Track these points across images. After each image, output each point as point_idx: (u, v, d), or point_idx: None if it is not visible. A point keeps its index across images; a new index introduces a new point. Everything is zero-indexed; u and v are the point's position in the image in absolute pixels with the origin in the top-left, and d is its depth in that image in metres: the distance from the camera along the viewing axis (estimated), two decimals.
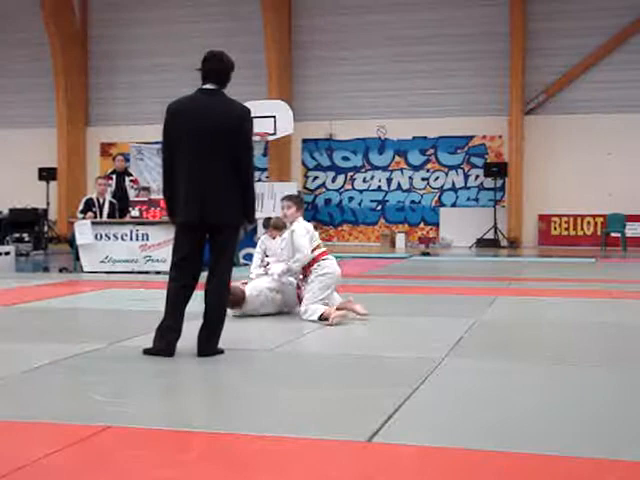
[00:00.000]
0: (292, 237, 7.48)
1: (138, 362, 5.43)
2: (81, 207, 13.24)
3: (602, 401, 4.36)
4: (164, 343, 5.46)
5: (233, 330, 6.13)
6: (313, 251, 7.46)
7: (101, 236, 12.77)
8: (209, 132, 5.41)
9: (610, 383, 4.82)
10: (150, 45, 22.60)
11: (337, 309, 7.23)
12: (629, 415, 4.05)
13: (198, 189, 5.44)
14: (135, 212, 12.90)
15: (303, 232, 7.48)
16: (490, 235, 20.31)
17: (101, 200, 13.32)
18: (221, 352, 5.55)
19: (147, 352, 5.50)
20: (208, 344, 5.52)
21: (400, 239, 20.91)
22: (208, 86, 5.54)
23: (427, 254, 18.22)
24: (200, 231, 5.54)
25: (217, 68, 5.54)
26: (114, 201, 13.48)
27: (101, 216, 13.18)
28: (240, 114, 5.52)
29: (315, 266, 7.44)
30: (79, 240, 12.70)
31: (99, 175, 15.89)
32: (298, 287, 7.63)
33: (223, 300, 5.64)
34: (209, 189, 5.44)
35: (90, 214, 12.98)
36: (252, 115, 5.68)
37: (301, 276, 7.57)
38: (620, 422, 3.92)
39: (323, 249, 7.61)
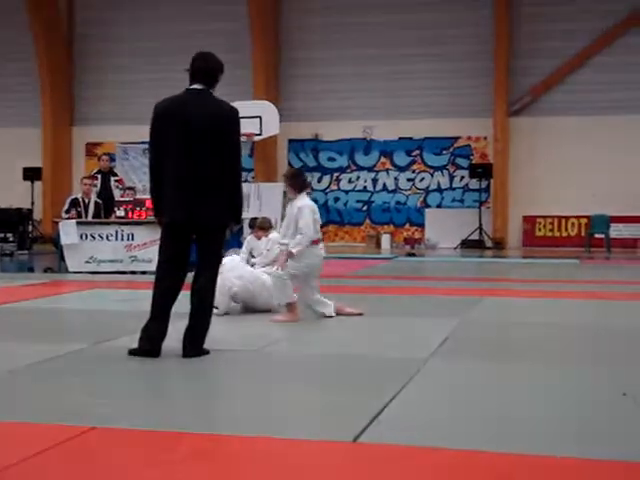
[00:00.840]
0: (297, 214, 7.20)
1: (123, 362, 5.42)
2: (66, 207, 13.19)
3: (587, 400, 4.39)
4: (149, 344, 5.43)
5: (218, 330, 6.13)
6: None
7: (86, 236, 12.72)
8: (196, 132, 5.39)
9: (595, 383, 4.85)
10: (135, 45, 22.51)
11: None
12: (614, 415, 4.08)
13: (185, 190, 5.43)
14: (120, 212, 12.86)
15: (308, 212, 7.22)
16: (475, 236, 20.38)
17: (86, 200, 13.28)
18: (207, 353, 5.53)
19: (132, 353, 5.47)
20: (193, 345, 5.50)
21: (385, 240, 20.94)
22: (196, 86, 5.53)
23: (412, 255, 18.26)
24: (186, 231, 5.52)
25: (204, 68, 5.53)
26: (99, 201, 13.44)
27: (86, 216, 13.13)
28: (229, 115, 5.52)
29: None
30: (64, 240, 12.65)
31: (84, 175, 15.83)
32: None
33: (209, 301, 5.62)
34: (196, 190, 5.42)
35: (73, 213, 12.92)
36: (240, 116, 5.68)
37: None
38: (605, 422, 3.95)
39: (319, 236, 7.42)
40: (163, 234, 5.63)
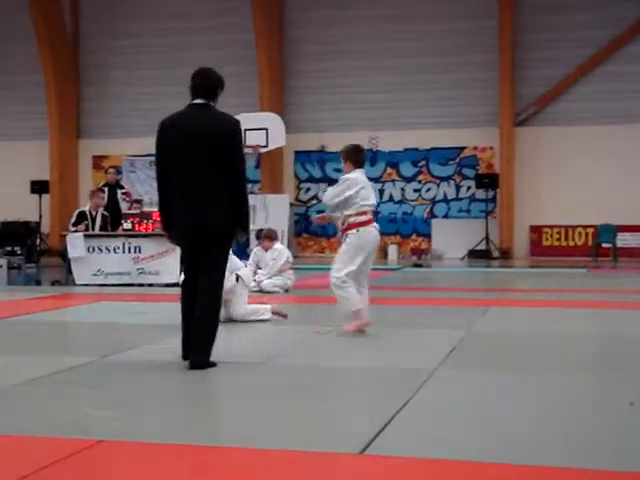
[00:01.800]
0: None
1: (131, 376, 5.43)
2: (73, 220, 13.22)
3: (597, 413, 4.38)
4: (185, 352, 5.67)
5: (224, 341, 6.13)
6: (358, 215, 7.03)
7: (93, 249, 12.75)
8: (198, 145, 5.52)
9: (604, 394, 4.83)
10: (141, 57, 22.62)
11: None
12: (623, 426, 4.07)
13: (191, 202, 5.57)
14: (127, 225, 12.89)
15: (344, 181, 7.07)
16: (482, 246, 20.35)
17: (93, 213, 13.31)
18: (213, 365, 5.56)
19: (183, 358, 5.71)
20: (199, 357, 5.54)
21: (392, 250, 20.93)
22: (197, 101, 5.67)
23: (419, 265, 18.25)
24: (195, 242, 5.66)
25: (205, 84, 5.68)
26: (106, 214, 13.47)
27: (93, 229, 13.17)
28: (230, 127, 5.62)
29: (353, 231, 7.06)
30: (71, 253, 12.67)
31: (93, 188, 15.88)
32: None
33: (214, 312, 5.67)
34: (201, 201, 5.56)
35: (81, 226, 12.96)
36: (243, 127, 5.81)
37: (340, 233, 7.27)
38: (614, 434, 3.94)
39: (368, 217, 7.12)
40: (180, 245, 5.97)
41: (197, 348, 5.55)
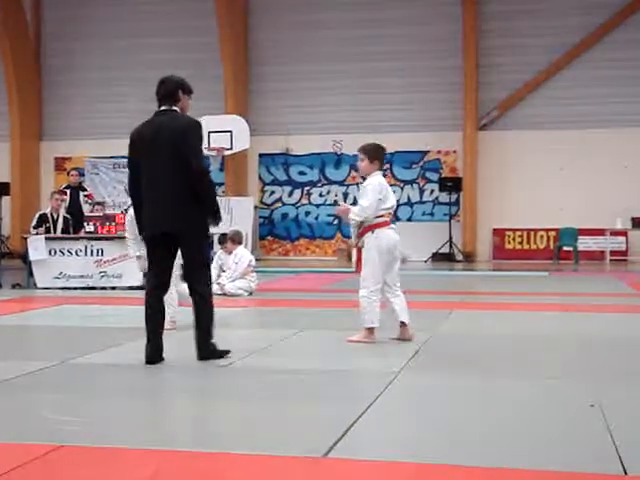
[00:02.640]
0: (362, 190, 6.82)
1: (92, 379, 5.38)
2: (34, 222, 13.07)
3: (554, 411, 4.42)
4: (151, 358, 5.84)
5: (187, 344, 6.10)
6: (375, 218, 6.75)
7: (55, 252, 12.61)
8: (160, 149, 5.82)
9: (563, 394, 4.88)
10: (105, 59, 22.43)
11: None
12: (581, 429, 4.11)
13: (156, 204, 5.85)
14: (90, 227, 12.77)
15: (374, 187, 6.73)
16: (445, 249, 20.47)
17: (55, 215, 13.17)
18: (224, 353, 5.97)
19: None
20: (204, 346, 5.91)
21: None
22: (162, 108, 6.02)
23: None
24: (165, 243, 5.91)
25: (164, 91, 6.02)
26: (68, 216, 13.34)
27: (55, 231, 13.03)
28: (184, 126, 5.88)
29: (368, 234, 6.80)
30: (32, 256, 12.53)
31: (54, 190, 15.70)
32: (359, 250, 6.96)
33: (207, 301, 5.95)
34: (166, 203, 5.82)
35: (41, 229, 12.82)
36: (207, 129, 5.91)
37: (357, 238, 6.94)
38: (570, 432, 3.98)
39: (385, 219, 6.84)
40: (146, 248, 6.13)
41: (206, 343, 5.91)
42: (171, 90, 5.99)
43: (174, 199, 5.79)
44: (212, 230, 6.27)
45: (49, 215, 13.15)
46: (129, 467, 3.48)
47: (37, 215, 13.33)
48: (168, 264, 6.04)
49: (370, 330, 6.87)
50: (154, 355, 5.83)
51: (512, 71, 20.42)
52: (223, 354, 5.98)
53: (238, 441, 3.85)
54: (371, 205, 6.70)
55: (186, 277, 6.05)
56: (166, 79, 6.05)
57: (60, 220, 13.16)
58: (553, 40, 20.20)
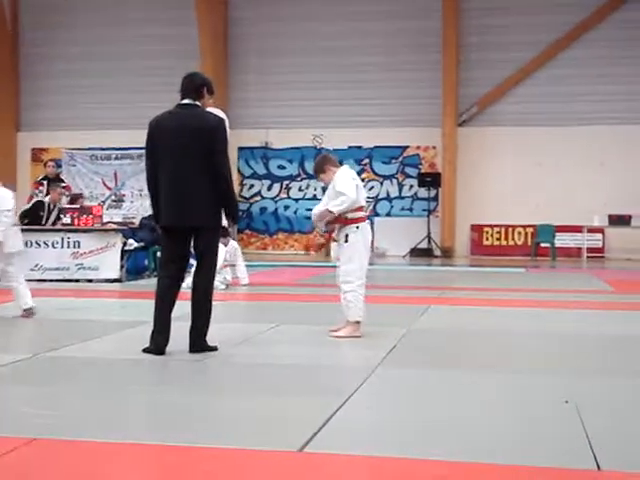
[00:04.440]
0: (334, 184, 6.80)
1: (66, 372, 5.34)
2: (28, 206, 12.93)
3: (528, 407, 4.44)
4: (154, 345, 5.89)
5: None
6: (355, 211, 6.79)
7: (31, 243, 12.50)
8: (185, 142, 5.88)
9: (538, 389, 4.90)
10: (83, 50, 22.25)
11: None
12: (555, 425, 4.13)
13: (176, 194, 5.93)
14: (67, 219, 12.67)
15: (347, 178, 6.77)
16: (424, 245, 20.54)
17: (52, 206, 13.05)
18: (213, 349, 5.99)
19: (144, 350, 5.90)
20: (196, 342, 5.97)
21: (334, 248, 20.93)
22: (185, 101, 6.07)
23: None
24: (181, 233, 6.00)
25: (188, 85, 6.09)
26: (62, 207, 13.29)
27: (47, 222, 12.91)
28: (213, 124, 5.98)
29: (353, 229, 6.81)
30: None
31: (36, 180, 15.58)
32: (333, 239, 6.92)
33: (207, 298, 6.02)
34: (186, 194, 5.91)
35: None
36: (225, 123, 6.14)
37: (333, 227, 6.93)
38: (544, 428, 4.00)
39: (364, 213, 6.93)
40: (162, 236, 6.18)
41: (197, 335, 5.96)
42: (197, 85, 6.07)
43: (194, 193, 5.87)
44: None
45: (47, 205, 13.00)
46: (102, 461, 3.46)
47: (34, 201, 13.15)
48: (180, 255, 6.06)
49: (357, 324, 6.88)
50: (159, 345, 5.88)
51: (492, 67, 20.49)
52: (213, 349, 6.02)
53: (213, 435, 3.83)
54: (350, 190, 6.69)
55: (197, 267, 6.09)
56: (194, 74, 6.19)
57: (54, 213, 13.06)
58: (533, 37, 20.29)
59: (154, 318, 5.95)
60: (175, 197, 5.92)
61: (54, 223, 12.95)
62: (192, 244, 6.08)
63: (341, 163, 7.26)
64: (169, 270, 6.03)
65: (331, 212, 6.76)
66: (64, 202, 13.85)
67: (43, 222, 12.85)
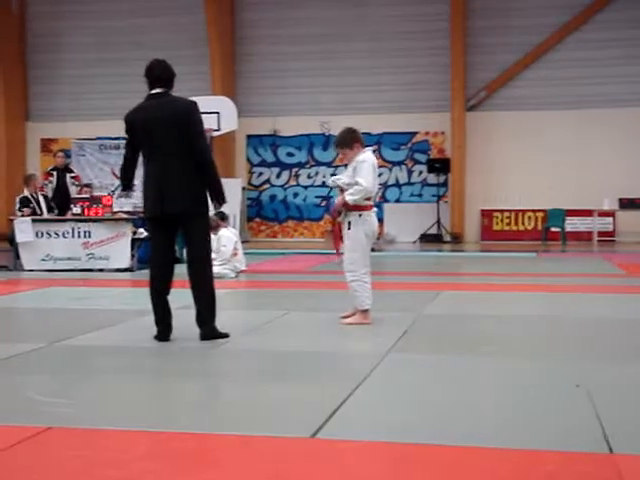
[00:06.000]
0: (357, 167, 6.66)
1: (81, 361, 5.38)
2: (17, 206, 13.08)
3: (540, 392, 4.44)
4: (162, 336, 6.01)
5: (177, 325, 6.10)
6: (367, 200, 6.74)
7: (42, 234, 12.57)
8: (161, 131, 5.89)
9: (550, 374, 4.91)
10: (91, 40, 22.23)
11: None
12: (567, 409, 4.14)
13: (157, 184, 5.92)
14: (77, 209, 12.72)
15: (370, 168, 6.65)
16: (433, 230, 20.51)
17: (35, 196, 13.18)
18: (224, 336, 6.02)
19: (155, 338, 6.03)
20: (205, 328, 6.00)
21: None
22: (157, 90, 6.02)
23: (372, 249, 18.27)
24: (166, 223, 5.99)
25: (160, 74, 6.03)
26: (46, 195, 13.47)
27: (41, 212, 13.02)
28: (186, 108, 5.97)
29: (356, 217, 6.77)
30: (19, 238, 12.49)
31: (27, 173, 15.69)
32: (339, 229, 6.93)
33: (208, 284, 6.03)
34: (167, 183, 5.90)
35: (27, 210, 12.85)
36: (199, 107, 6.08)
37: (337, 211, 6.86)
38: (559, 415, 4.01)
39: (371, 202, 6.84)
40: (148, 228, 6.26)
41: (204, 322, 6.00)
42: (169, 75, 6.04)
43: (175, 181, 5.88)
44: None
45: (30, 197, 13.14)
46: (118, 449, 3.49)
47: (18, 198, 13.28)
48: (169, 244, 6.12)
49: (366, 312, 6.89)
50: (162, 333, 5.99)
51: (500, 52, 20.38)
52: (223, 336, 6.05)
53: (226, 422, 3.86)
54: (369, 185, 6.66)
55: (189, 257, 6.10)
56: (163, 62, 6.05)
57: (42, 200, 13.19)
58: (541, 20, 20.16)
59: (152, 308, 6.05)
60: (157, 187, 5.91)
61: (50, 210, 13.07)
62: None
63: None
64: (157, 260, 6.07)
65: (346, 202, 6.72)
66: (74, 192, 13.92)
67: (39, 212, 12.98)
